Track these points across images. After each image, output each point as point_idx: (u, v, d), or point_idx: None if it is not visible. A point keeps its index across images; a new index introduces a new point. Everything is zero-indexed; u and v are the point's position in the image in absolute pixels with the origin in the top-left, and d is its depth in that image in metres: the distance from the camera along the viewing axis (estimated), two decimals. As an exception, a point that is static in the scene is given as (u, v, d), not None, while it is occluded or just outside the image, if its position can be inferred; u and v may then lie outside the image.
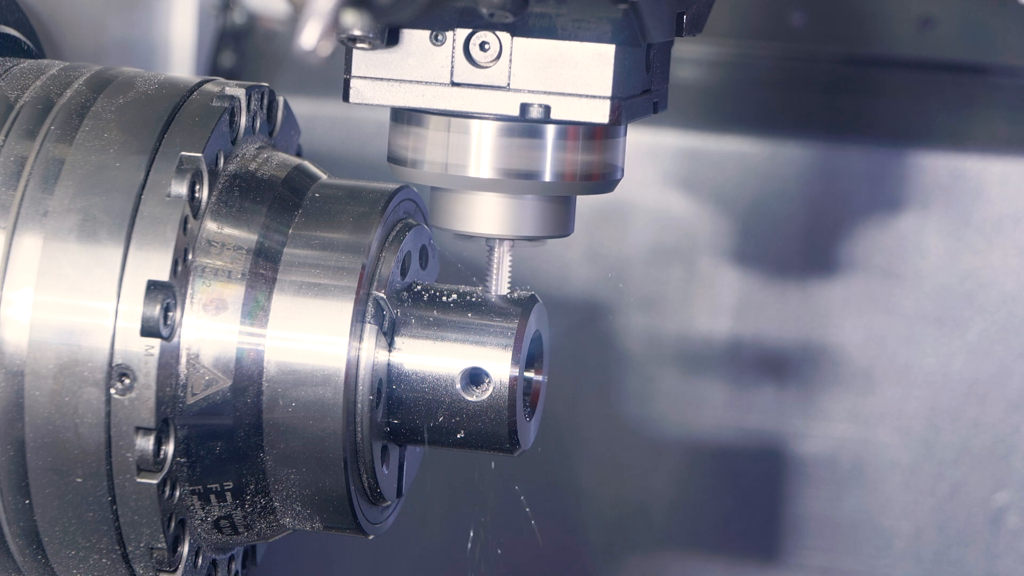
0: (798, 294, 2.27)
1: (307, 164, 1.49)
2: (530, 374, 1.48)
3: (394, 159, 1.46)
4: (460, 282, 1.48)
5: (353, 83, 1.42)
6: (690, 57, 2.31)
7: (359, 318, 1.40)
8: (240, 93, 1.43)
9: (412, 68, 1.40)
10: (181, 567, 1.39)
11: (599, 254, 2.30)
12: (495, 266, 1.46)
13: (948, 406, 2.25)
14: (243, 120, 1.44)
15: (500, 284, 1.46)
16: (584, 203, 1.50)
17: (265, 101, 1.48)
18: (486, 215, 1.44)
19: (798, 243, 2.28)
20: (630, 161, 1.51)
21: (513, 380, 1.42)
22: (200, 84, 1.44)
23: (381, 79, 1.41)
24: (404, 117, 1.45)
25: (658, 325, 2.30)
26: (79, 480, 1.35)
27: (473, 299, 1.45)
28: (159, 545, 1.36)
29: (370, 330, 1.41)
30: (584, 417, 2.32)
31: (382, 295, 1.42)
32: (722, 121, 2.32)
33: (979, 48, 2.29)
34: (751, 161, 2.28)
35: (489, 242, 1.46)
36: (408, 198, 1.49)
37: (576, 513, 2.34)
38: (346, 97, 1.42)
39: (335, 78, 1.43)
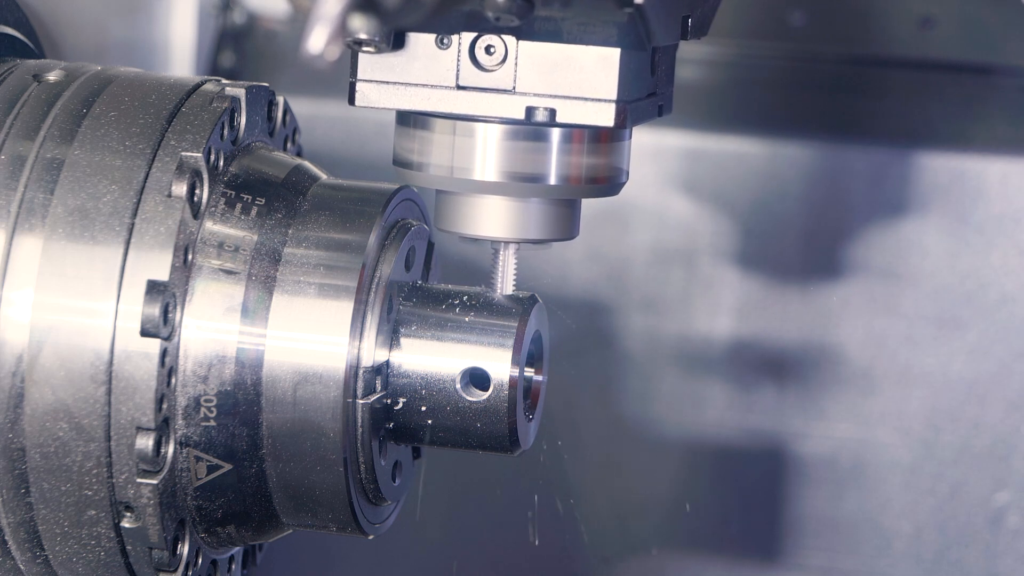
0: (798, 294, 2.27)
1: (307, 164, 1.49)
2: (530, 374, 1.48)
3: (399, 162, 1.46)
4: (462, 282, 1.48)
5: (359, 86, 1.42)
6: (691, 57, 2.31)
7: (359, 318, 1.40)
8: (240, 93, 1.43)
9: (418, 72, 1.40)
10: (181, 567, 1.39)
11: (599, 254, 2.30)
12: (500, 269, 1.46)
13: (948, 406, 2.25)
14: (243, 120, 1.44)
15: (505, 287, 1.46)
16: (585, 203, 1.49)
17: (265, 101, 1.48)
18: (491, 218, 1.44)
19: (798, 243, 2.28)
20: (630, 161, 1.51)
21: (513, 380, 1.42)
22: (200, 84, 1.44)
23: (387, 83, 1.41)
24: (409, 120, 1.45)
25: (658, 325, 2.30)
26: (79, 480, 1.35)
27: (473, 299, 1.45)
28: (159, 545, 1.36)
29: (370, 330, 1.41)
30: (584, 417, 2.32)
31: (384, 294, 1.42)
32: (723, 121, 2.32)
33: (980, 48, 2.29)
34: (752, 161, 2.27)
35: (494, 245, 1.46)
36: (408, 198, 1.49)
37: (576, 513, 2.33)
38: (352, 100, 1.42)
39: (335, 78, 1.43)
